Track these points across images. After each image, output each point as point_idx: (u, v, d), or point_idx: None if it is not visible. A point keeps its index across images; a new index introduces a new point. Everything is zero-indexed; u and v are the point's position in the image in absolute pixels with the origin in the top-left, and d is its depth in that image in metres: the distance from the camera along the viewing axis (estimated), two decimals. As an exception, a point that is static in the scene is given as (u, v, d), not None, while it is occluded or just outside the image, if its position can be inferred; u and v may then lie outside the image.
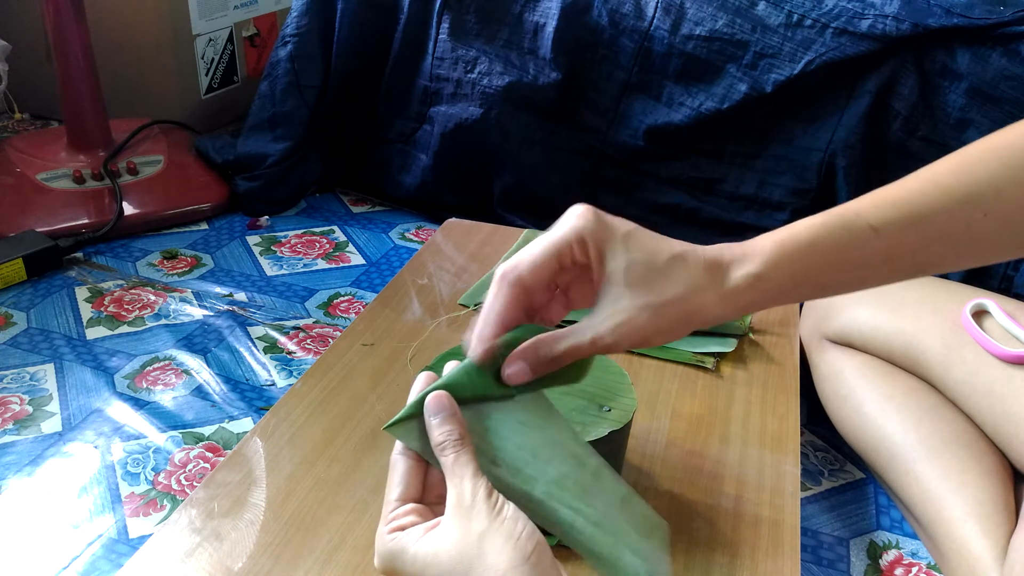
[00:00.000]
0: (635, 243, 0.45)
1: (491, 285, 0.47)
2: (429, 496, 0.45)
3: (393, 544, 0.42)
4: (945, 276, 1.08)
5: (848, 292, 0.47)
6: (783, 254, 0.45)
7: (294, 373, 1.10)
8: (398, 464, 0.45)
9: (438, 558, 0.40)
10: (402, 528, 0.43)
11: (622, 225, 0.46)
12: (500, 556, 0.39)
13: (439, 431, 0.44)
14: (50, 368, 1.10)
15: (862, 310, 0.97)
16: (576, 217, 0.46)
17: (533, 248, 0.46)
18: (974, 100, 1.14)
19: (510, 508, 0.42)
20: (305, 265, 1.38)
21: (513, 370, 0.46)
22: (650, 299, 0.44)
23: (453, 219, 1.07)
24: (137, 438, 0.98)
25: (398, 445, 0.46)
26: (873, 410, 0.92)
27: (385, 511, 0.44)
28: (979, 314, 0.89)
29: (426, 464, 0.46)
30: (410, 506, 0.44)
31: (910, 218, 0.44)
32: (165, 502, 0.89)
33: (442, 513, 0.43)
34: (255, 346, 1.15)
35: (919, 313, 0.92)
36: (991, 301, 0.88)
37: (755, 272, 0.45)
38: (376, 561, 0.43)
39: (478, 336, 0.47)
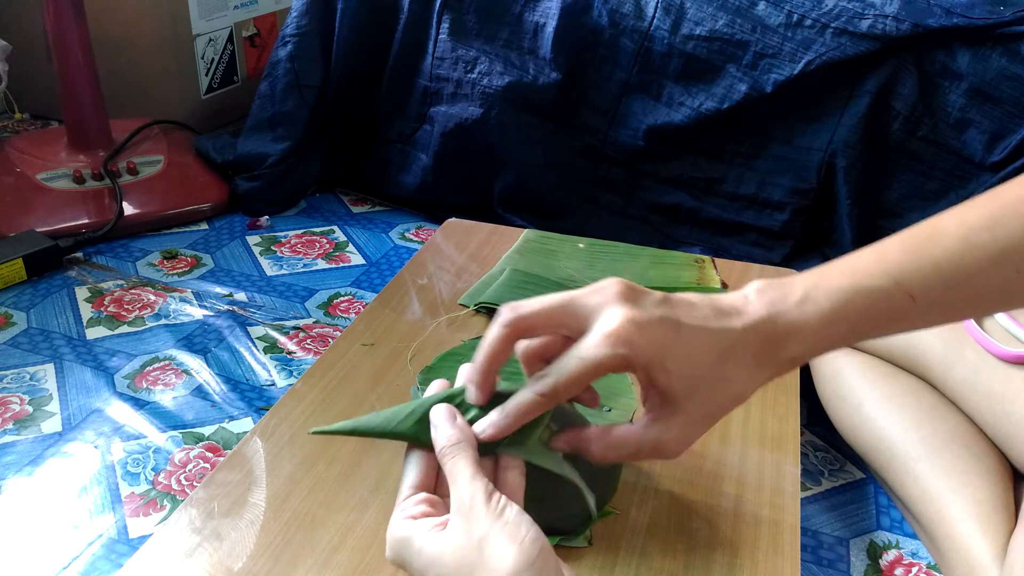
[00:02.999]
0: (683, 347, 0.44)
1: (494, 335, 0.47)
2: (441, 489, 0.46)
3: (403, 531, 0.42)
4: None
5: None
6: (826, 335, 0.45)
7: (294, 373, 1.10)
8: (412, 454, 0.46)
9: (441, 559, 0.41)
10: (414, 517, 0.43)
11: (659, 320, 0.43)
12: (503, 561, 0.39)
13: (442, 436, 0.45)
14: (50, 368, 1.10)
15: None
16: (612, 322, 0.43)
17: (568, 361, 0.44)
18: (974, 100, 1.14)
19: (513, 510, 0.41)
20: (305, 265, 1.38)
21: (556, 444, 0.48)
22: (710, 408, 0.45)
23: (453, 219, 1.07)
24: (137, 438, 0.98)
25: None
26: (873, 410, 0.92)
27: (399, 499, 0.44)
28: None
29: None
30: (423, 495, 0.44)
31: (948, 283, 0.44)
32: (165, 502, 0.89)
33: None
34: (255, 346, 1.15)
35: None
36: None
37: (800, 355, 0.45)
38: (388, 549, 0.43)
39: (479, 385, 0.48)
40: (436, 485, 0.46)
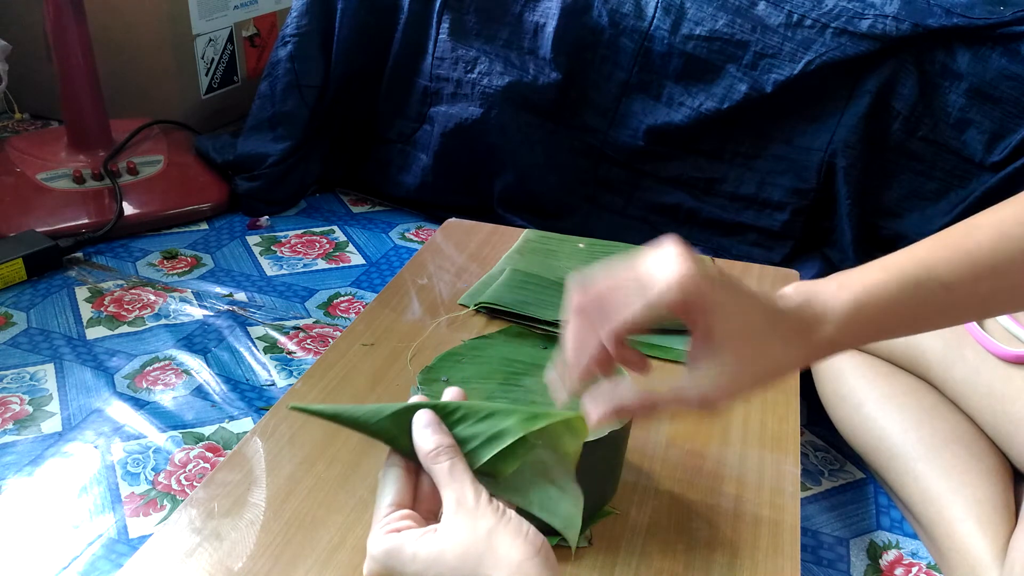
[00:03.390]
0: (737, 305, 0.46)
1: (571, 325, 0.47)
2: (420, 508, 0.46)
3: (390, 543, 0.42)
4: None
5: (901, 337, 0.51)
6: (858, 318, 0.46)
7: (294, 373, 1.10)
8: (390, 473, 0.46)
9: (443, 556, 0.40)
10: (397, 530, 0.43)
11: (719, 279, 0.45)
12: (512, 550, 0.40)
13: (432, 439, 0.45)
14: (50, 368, 1.10)
15: None
16: (677, 270, 0.44)
17: (630, 301, 0.45)
18: (974, 100, 1.14)
19: (512, 511, 0.42)
20: (305, 265, 1.38)
21: (598, 415, 0.48)
22: (755, 366, 0.46)
23: (453, 219, 1.07)
24: (137, 438, 0.98)
25: (389, 456, 0.47)
26: (873, 410, 0.92)
27: (377, 516, 0.44)
28: None
29: (416, 474, 0.46)
30: (405, 511, 0.44)
31: (981, 274, 0.45)
32: (165, 502, 0.89)
33: (435, 523, 0.43)
34: (255, 346, 1.15)
35: None
36: None
37: (832, 337, 0.46)
38: (368, 565, 0.43)
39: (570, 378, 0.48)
40: (413, 503, 0.46)
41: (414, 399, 0.48)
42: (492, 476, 0.46)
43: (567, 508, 0.46)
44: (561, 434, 0.48)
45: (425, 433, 0.46)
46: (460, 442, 0.46)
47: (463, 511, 0.42)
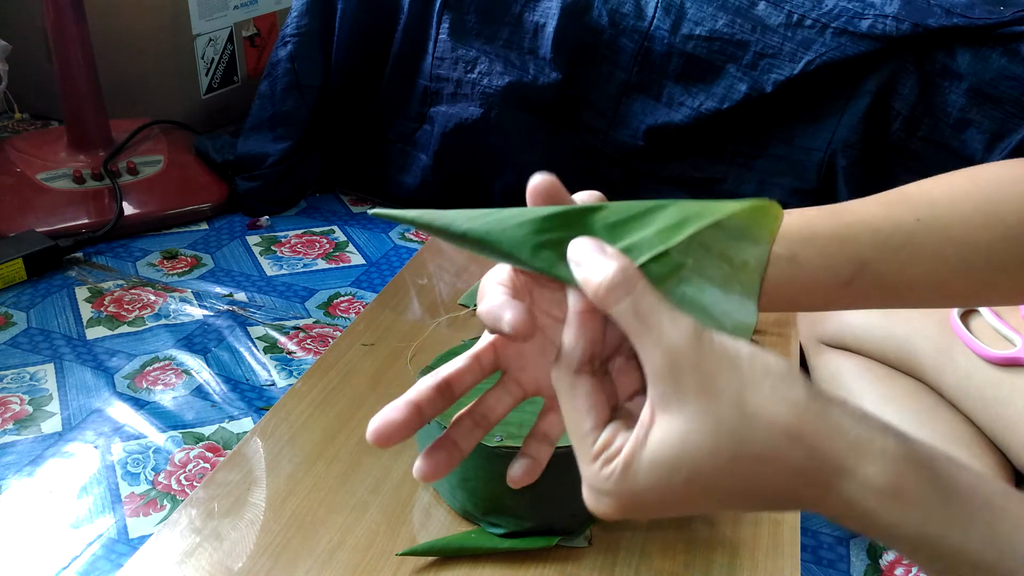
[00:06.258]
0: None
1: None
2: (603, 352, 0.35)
3: (613, 474, 0.31)
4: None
5: None
6: (802, 232, 0.41)
7: (294, 373, 1.10)
8: (579, 386, 0.33)
9: (685, 454, 0.29)
10: (617, 452, 0.31)
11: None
12: (778, 406, 0.29)
13: (599, 271, 0.32)
14: (50, 368, 1.10)
15: (855, 314, 0.96)
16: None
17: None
18: (974, 100, 1.14)
19: (740, 342, 0.31)
20: (305, 265, 1.38)
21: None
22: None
23: (453, 219, 1.07)
24: (137, 438, 0.98)
25: (562, 365, 0.34)
26: (871, 411, 0.92)
27: (582, 451, 0.33)
28: (970, 313, 0.88)
29: (601, 377, 0.34)
30: (610, 428, 0.32)
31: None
32: (165, 502, 0.89)
33: (638, 400, 0.33)
34: (255, 346, 1.15)
35: (910, 315, 0.92)
36: None
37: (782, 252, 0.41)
38: (601, 510, 0.32)
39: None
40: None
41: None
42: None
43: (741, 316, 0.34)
44: (737, 244, 0.36)
45: (588, 264, 0.32)
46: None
47: (676, 374, 0.30)
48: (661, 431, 0.30)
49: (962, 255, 0.42)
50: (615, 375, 0.35)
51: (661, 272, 0.34)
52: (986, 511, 0.29)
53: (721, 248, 0.35)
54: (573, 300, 0.34)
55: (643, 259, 0.34)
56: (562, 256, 0.34)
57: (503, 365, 0.39)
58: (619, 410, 0.34)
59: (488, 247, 0.35)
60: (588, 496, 0.33)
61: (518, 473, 0.39)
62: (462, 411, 0.39)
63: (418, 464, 0.37)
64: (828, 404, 0.30)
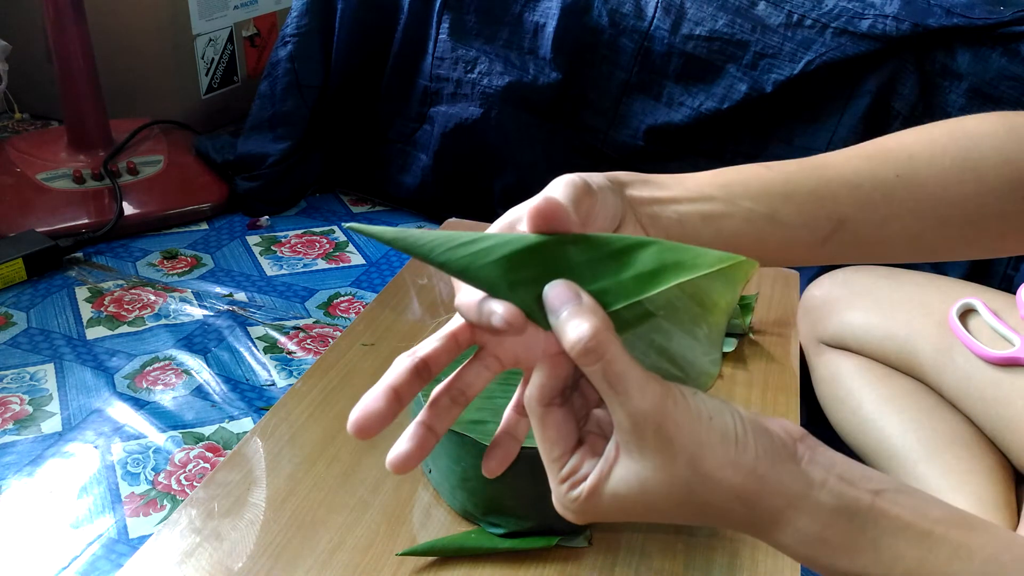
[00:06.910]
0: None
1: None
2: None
3: (579, 498, 0.34)
4: (943, 273, 1.08)
5: None
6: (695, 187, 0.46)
7: (294, 373, 1.10)
8: (549, 417, 0.35)
9: (643, 494, 0.33)
10: (583, 479, 0.34)
11: None
12: (728, 470, 0.32)
13: (575, 329, 0.32)
14: (50, 368, 1.10)
15: (855, 314, 0.96)
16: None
17: None
18: (974, 100, 1.14)
19: (705, 401, 0.33)
20: (305, 265, 1.38)
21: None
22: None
23: (453, 219, 1.07)
24: (137, 438, 0.98)
25: (531, 388, 0.35)
26: (872, 412, 0.92)
27: (552, 473, 0.35)
28: (969, 313, 0.88)
29: (571, 404, 0.36)
30: (577, 456, 0.35)
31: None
32: (165, 502, 0.89)
33: (603, 418, 0.36)
34: (255, 346, 1.15)
35: (910, 316, 0.92)
36: (978, 300, 0.87)
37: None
38: (568, 516, 0.35)
39: None
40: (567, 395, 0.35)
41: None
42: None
43: (703, 364, 0.36)
44: (709, 287, 0.36)
45: (563, 315, 0.33)
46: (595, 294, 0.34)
47: (643, 434, 0.32)
48: (623, 470, 0.33)
49: (939, 211, 0.43)
50: (584, 384, 0.37)
51: (632, 316, 0.35)
52: (922, 545, 0.33)
53: (693, 291, 0.36)
54: (547, 342, 0.35)
55: (616, 306, 0.35)
56: (537, 297, 0.34)
57: (481, 341, 0.39)
58: (586, 426, 0.37)
59: (467, 281, 0.35)
60: (556, 506, 0.36)
61: (493, 463, 0.39)
62: (439, 388, 0.38)
63: (389, 457, 0.38)
64: (775, 464, 0.33)
